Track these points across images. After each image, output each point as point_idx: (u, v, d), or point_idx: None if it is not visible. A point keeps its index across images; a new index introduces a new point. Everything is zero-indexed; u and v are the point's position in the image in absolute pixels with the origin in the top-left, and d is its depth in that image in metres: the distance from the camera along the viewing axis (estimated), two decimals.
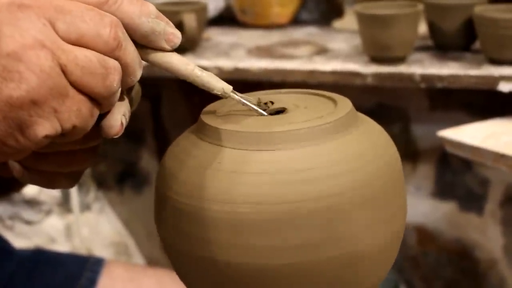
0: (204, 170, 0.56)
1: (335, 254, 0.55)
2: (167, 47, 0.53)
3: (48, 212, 1.79)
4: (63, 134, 0.49)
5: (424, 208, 1.78)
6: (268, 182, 0.54)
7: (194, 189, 0.56)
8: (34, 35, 0.46)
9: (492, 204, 1.72)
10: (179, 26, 1.39)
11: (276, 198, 0.53)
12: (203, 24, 1.51)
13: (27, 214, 1.78)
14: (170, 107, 2.00)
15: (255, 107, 0.59)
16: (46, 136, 0.47)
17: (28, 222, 1.78)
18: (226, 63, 1.39)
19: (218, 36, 1.64)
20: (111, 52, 0.49)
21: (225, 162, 0.55)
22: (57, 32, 0.47)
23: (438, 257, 1.81)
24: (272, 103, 0.62)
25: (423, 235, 1.81)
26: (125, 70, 0.50)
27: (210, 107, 0.62)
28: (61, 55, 0.46)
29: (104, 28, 0.48)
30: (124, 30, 0.50)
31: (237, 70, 1.38)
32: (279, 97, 0.64)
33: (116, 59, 0.49)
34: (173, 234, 0.58)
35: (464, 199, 1.75)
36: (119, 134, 0.53)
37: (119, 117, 0.52)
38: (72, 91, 0.47)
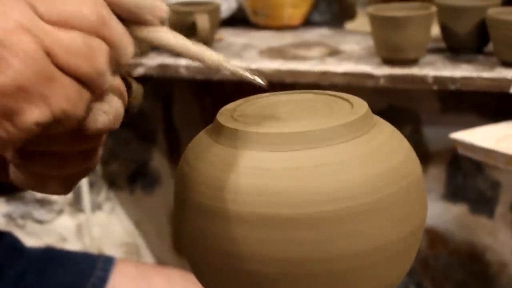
0: (225, 171, 0.56)
1: (349, 253, 0.55)
2: (155, 21, 0.52)
3: (60, 212, 1.80)
4: (55, 121, 0.47)
5: (434, 211, 1.77)
6: (287, 181, 0.54)
7: (216, 190, 0.56)
8: (15, 19, 0.45)
9: (503, 207, 1.72)
10: (192, 26, 1.39)
11: (296, 197, 0.53)
12: (216, 25, 1.52)
13: (39, 213, 1.78)
14: (182, 107, 2.00)
15: (251, 77, 0.57)
16: (37, 123, 0.46)
17: (40, 222, 1.79)
18: (239, 64, 1.39)
19: (231, 37, 1.64)
20: (96, 32, 0.47)
21: (245, 162, 0.55)
22: (39, 15, 0.46)
23: (449, 259, 1.81)
24: None
25: (434, 237, 1.81)
26: (114, 49, 0.49)
27: (225, 108, 0.62)
28: (44, 37, 0.45)
29: (86, 7, 0.47)
30: (108, 8, 0.49)
31: (249, 71, 1.37)
32: (294, 98, 0.64)
33: (102, 38, 0.48)
34: (195, 236, 0.58)
35: (475, 202, 1.75)
36: (102, 131, 0.51)
37: (99, 112, 0.51)
38: (58, 74, 0.46)
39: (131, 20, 0.51)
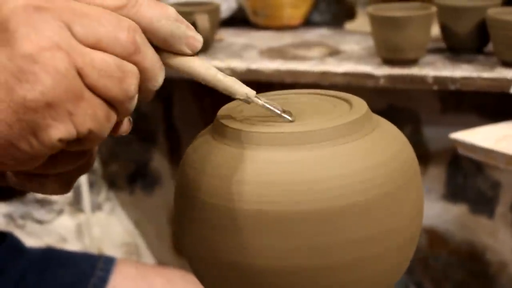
0: (229, 171, 0.56)
1: (350, 254, 0.55)
2: (188, 51, 0.53)
3: (60, 212, 1.80)
4: (79, 139, 0.48)
5: (434, 211, 1.78)
6: (291, 179, 0.54)
7: (221, 189, 0.56)
8: (50, 37, 0.45)
9: (503, 207, 1.72)
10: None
11: (299, 195, 0.54)
12: (216, 25, 1.52)
13: (39, 213, 1.78)
14: (182, 107, 2.00)
15: (280, 112, 0.58)
16: (61, 140, 0.46)
17: (40, 222, 1.79)
18: (239, 64, 1.39)
19: (230, 37, 1.64)
20: (128, 57, 0.48)
21: (248, 162, 0.56)
22: (74, 35, 0.47)
23: (449, 259, 1.81)
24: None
25: (434, 237, 1.81)
26: (145, 75, 0.50)
27: (225, 108, 0.63)
28: (77, 57, 0.46)
29: (121, 32, 0.48)
30: (143, 35, 0.49)
31: (249, 71, 1.38)
32: (293, 98, 0.64)
33: (134, 63, 0.49)
34: (199, 234, 0.58)
35: (475, 202, 1.75)
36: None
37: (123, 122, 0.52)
38: (88, 94, 0.47)
39: (164, 48, 0.52)
